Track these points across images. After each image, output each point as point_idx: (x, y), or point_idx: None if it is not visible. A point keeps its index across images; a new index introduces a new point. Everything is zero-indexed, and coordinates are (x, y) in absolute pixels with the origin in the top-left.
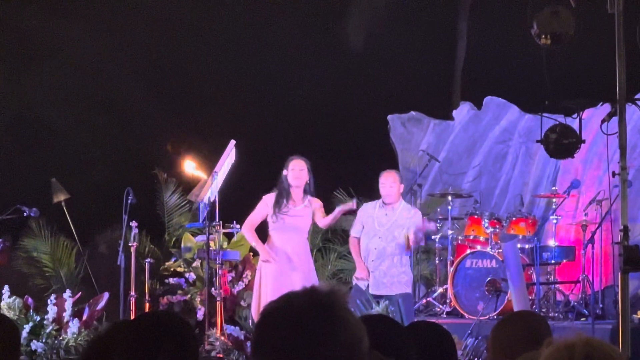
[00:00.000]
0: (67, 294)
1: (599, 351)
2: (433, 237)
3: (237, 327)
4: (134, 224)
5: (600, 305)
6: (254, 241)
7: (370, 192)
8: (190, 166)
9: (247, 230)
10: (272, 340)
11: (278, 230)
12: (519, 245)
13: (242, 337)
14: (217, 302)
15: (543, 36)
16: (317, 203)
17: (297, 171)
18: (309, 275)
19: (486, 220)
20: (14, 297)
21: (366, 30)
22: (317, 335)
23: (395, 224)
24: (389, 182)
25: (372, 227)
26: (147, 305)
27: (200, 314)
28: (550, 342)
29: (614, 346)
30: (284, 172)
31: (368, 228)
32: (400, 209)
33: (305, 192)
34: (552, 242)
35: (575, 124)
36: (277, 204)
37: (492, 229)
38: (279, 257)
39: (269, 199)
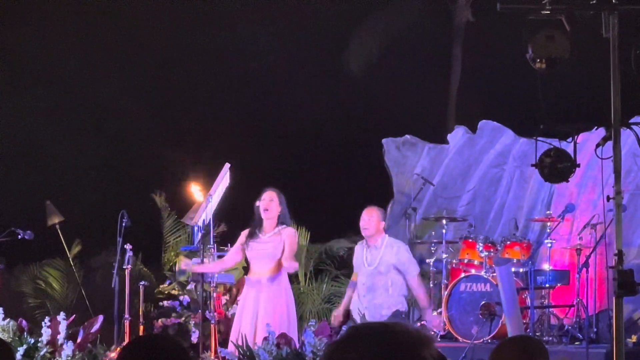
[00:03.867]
0: (61, 316)
1: None
2: (427, 260)
3: (232, 350)
4: (128, 246)
5: (595, 330)
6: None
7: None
8: (196, 191)
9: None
10: None
11: (250, 259)
12: (513, 269)
13: None
14: (212, 325)
15: (538, 60)
16: (288, 232)
17: (266, 202)
18: (276, 302)
19: (480, 244)
20: (8, 319)
21: (367, 57)
22: None
23: (381, 261)
24: (366, 217)
25: (361, 265)
26: (141, 328)
27: (194, 337)
28: None
29: None
30: (257, 203)
31: (357, 266)
32: (383, 247)
33: (279, 222)
34: (546, 266)
35: (570, 148)
36: (250, 235)
37: (487, 253)
38: (248, 285)
39: (244, 232)
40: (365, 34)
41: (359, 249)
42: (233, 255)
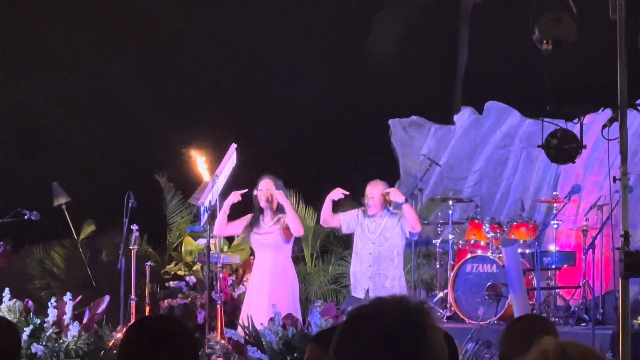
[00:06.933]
0: (67, 297)
1: (573, 353)
2: (434, 241)
3: (238, 331)
4: (134, 227)
5: (601, 311)
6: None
7: None
8: (201, 163)
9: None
10: (356, 347)
11: (254, 248)
12: (519, 250)
13: (242, 341)
14: (218, 306)
15: (544, 42)
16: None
17: (264, 191)
18: (281, 292)
19: (487, 225)
20: (14, 299)
21: (391, 40)
22: (405, 352)
23: (385, 227)
24: (371, 193)
25: (363, 233)
26: (147, 308)
27: (200, 318)
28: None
29: (590, 347)
30: (255, 192)
31: (359, 234)
32: (387, 217)
33: (279, 209)
34: (552, 247)
35: (576, 129)
36: (251, 225)
37: (493, 234)
38: (253, 275)
39: (249, 216)
40: (379, 21)
41: (356, 215)
42: (236, 225)
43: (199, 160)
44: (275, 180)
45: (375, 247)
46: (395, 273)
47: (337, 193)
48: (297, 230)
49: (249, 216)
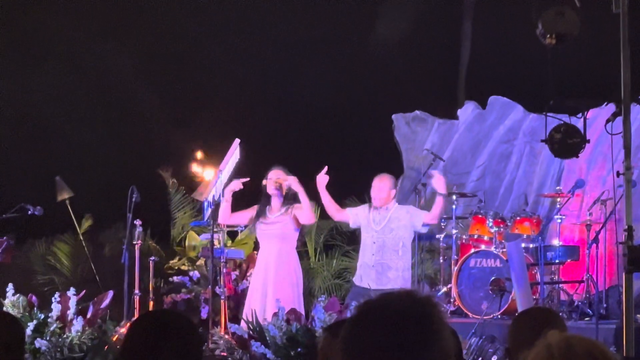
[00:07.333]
0: (71, 292)
1: (578, 347)
2: (437, 236)
3: (241, 326)
4: (138, 222)
5: (604, 305)
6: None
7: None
8: (199, 159)
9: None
10: (364, 338)
11: (259, 238)
12: (523, 245)
13: (246, 336)
14: (221, 301)
15: (548, 36)
16: (297, 205)
17: (274, 179)
18: (284, 283)
19: (490, 220)
20: (18, 294)
21: (394, 34)
22: (412, 343)
23: (391, 219)
24: (378, 185)
25: (368, 225)
26: (151, 303)
27: (204, 313)
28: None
29: (595, 340)
30: (264, 182)
31: (364, 226)
32: (394, 209)
33: (287, 199)
34: (556, 242)
35: (579, 124)
36: (257, 214)
37: (497, 229)
38: (257, 266)
39: (256, 207)
40: (382, 14)
41: (363, 209)
42: (241, 215)
43: (206, 172)
44: (285, 170)
45: (378, 235)
46: (399, 265)
47: (321, 175)
48: (310, 218)
49: (255, 207)
